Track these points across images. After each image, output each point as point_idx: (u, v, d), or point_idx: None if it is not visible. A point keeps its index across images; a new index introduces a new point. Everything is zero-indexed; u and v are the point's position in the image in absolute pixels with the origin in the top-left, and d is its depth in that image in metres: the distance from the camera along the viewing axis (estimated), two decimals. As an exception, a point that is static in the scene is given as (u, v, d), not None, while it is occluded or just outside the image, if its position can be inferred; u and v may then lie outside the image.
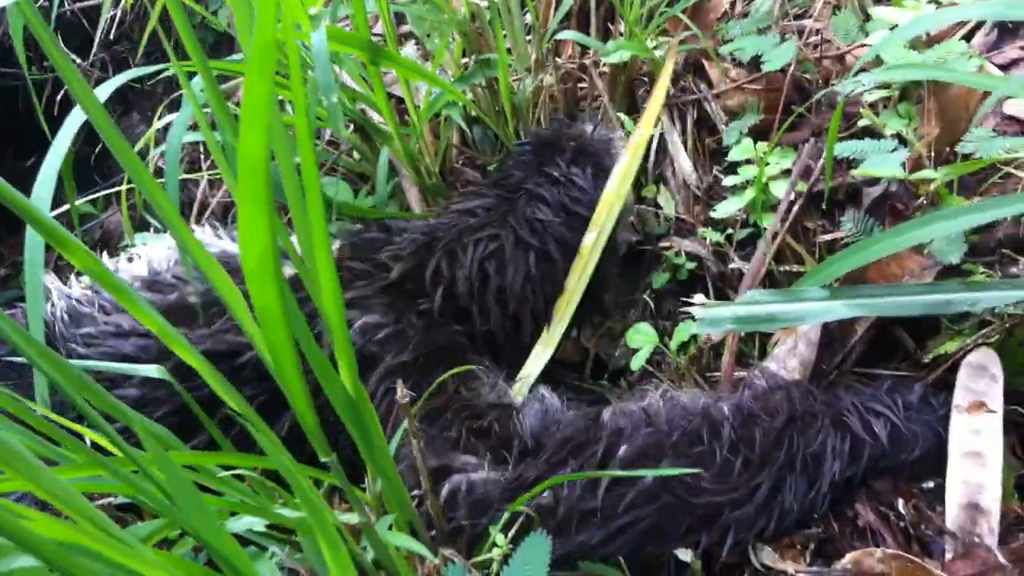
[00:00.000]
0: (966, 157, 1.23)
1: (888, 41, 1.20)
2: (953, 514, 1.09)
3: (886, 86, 1.46)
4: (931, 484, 1.16)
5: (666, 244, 1.66)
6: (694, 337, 1.45)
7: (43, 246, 1.10)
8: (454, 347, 1.34)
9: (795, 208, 1.49)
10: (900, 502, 1.14)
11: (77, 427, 0.88)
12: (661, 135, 1.75)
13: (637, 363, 1.45)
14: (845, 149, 1.31)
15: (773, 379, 1.23)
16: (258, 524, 0.88)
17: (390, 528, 0.99)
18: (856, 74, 1.31)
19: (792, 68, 1.59)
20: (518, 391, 1.34)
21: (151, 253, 1.48)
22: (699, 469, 1.08)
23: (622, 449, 1.11)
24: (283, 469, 0.82)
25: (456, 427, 1.17)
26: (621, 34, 1.83)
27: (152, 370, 1.00)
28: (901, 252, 1.21)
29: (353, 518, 0.92)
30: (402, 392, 0.98)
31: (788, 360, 1.30)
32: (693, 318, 1.52)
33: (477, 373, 1.26)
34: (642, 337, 1.47)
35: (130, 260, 1.49)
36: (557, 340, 1.43)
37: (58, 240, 0.75)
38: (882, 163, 1.23)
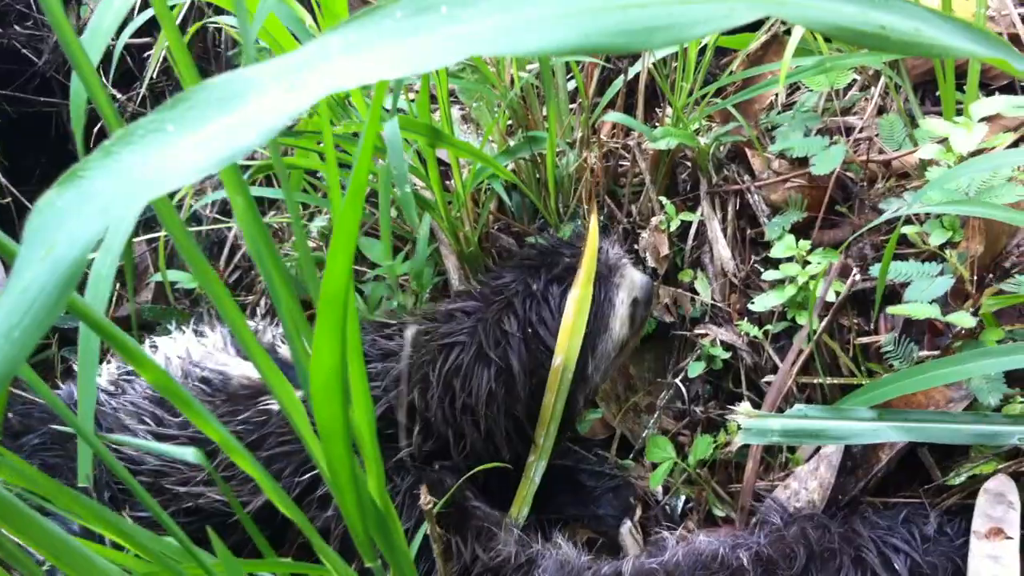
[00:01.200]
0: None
1: (937, 183, 1.22)
2: None
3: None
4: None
5: (701, 331, 1.67)
6: (714, 449, 1.46)
7: (98, 348, 1.11)
8: (456, 495, 1.33)
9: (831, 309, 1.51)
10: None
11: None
12: (701, 221, 1.77)
13: (656, 481, 1.46)
14: (892, 271, 1.32)
15: (786, 513, 1.26)
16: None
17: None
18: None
19: (838, 168, 1.61)
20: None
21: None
22: None
23: None
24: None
25: None
26: (667, 117, 1.86)
27: (189, 454, 1.03)
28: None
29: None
30: (426, 499, 1.01)
31: (809, 481, 1.31)
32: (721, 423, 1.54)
33: (491, 531, 1.30)
34: (661, 453, 1.48)
35: (154, 348, 1.53)
36: (549, 450, 1.45)
37: (129, 353, 0.77)
38: (924, 289, 1.25)
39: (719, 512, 1.42)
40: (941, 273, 1.29)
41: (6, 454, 0.73)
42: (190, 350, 1.48)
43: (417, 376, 1.40)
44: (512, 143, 1.85)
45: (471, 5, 0.54)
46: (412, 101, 2.01)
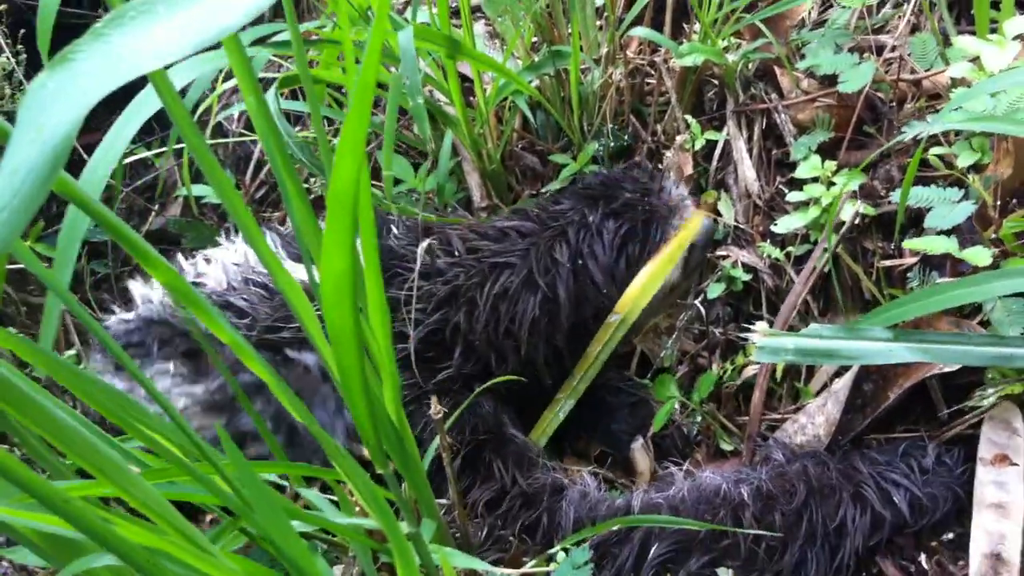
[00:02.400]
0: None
1: (965, 97, 1.19)
2: (976, 564, 1.11)
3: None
4: (951, 536, 1.19)
5: (723, 253, 1.66)
6: (720, 383, 1.47)
7: (84, 226, 1.12)
8: (494, 421, 1.36)
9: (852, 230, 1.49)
10: (923, 557, 1.17)
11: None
12: (727, 141, 1.74)
13: (659, 422, 1.47)
14: (912, 196, 1.30)
15: (789, 450, 1.28)
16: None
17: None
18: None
19: (867, 88, 1.57)
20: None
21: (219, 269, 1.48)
22: (727, 563, 1.16)
23: (653, 550, 1.17)
24: (358, 483, 0.85)
25: (511, 525, 1.24)
26: (695, 32, 1.82)
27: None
28: (935, 313, 1.22)
29: (405, 527, 0.95)
30: (436, 408, 1.03)
31: (816, 416, 1.32)
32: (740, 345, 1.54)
33: (531, 459, 1.32)
34: (665, 392, 1.49)
35: (207, 261, 1.50)
36: (580, 393, 1.46)
37: (137, 251, 0.77)
38: (945, 216, 1.23)
39: (727, 446, 1.43)
40: (964, 198, 1.27)
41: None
42: (248, 257, 1.48)
43: (464, 297, 1.39)
44: (537, 59, 1.82)
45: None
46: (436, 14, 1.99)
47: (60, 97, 0.43)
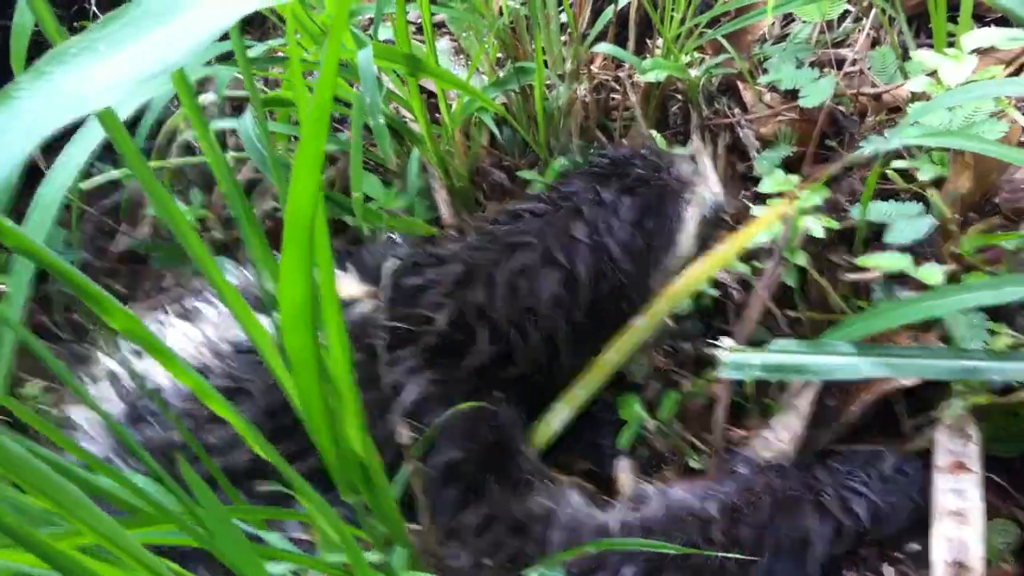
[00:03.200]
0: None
1: (922, 111, 1.20)
2: (939, 573, 1.11)
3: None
4: (915, 547, 1.20)
5: (690, 268, 1.66)
6: (685, 402, 1.47)
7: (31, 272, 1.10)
8: (506, 434, 1.33)
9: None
10: (886, 567, 1.17)
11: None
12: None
13: (624, 442, 1.46)
14: (872, 211, 1.31)
15: (755, 464, 1.29)
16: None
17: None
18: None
19: (827, 102, 1.59)
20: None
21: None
22: None
23: (628, 571, 1.18)
24: (324, 519, 0.84)
25: (497, 554, 1.22)
26: (658, 48, 1.83)
27: None
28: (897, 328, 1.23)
29: (374, 557, 0.95)
30: (404, 435, 1.02)
31: (781, 432, 1.32)
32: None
33: (531, 483, 1.29)
34: (629, 411, 1.48)
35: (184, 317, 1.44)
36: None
37: (91, 297, 0.75)
38: (903, 231, 1.24)
39: (696, 464, 1.43)
40: (925, 213, 1.28)
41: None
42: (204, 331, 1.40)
43: (481, 276, 1.37)
44: (502, 75, 1.82)
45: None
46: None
47: (2, 137, 0.42)
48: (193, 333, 1.40)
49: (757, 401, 1.43)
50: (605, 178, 1.45)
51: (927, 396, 1.30)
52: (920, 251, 1.33)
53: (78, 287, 0.72)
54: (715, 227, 1.56)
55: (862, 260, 1.29)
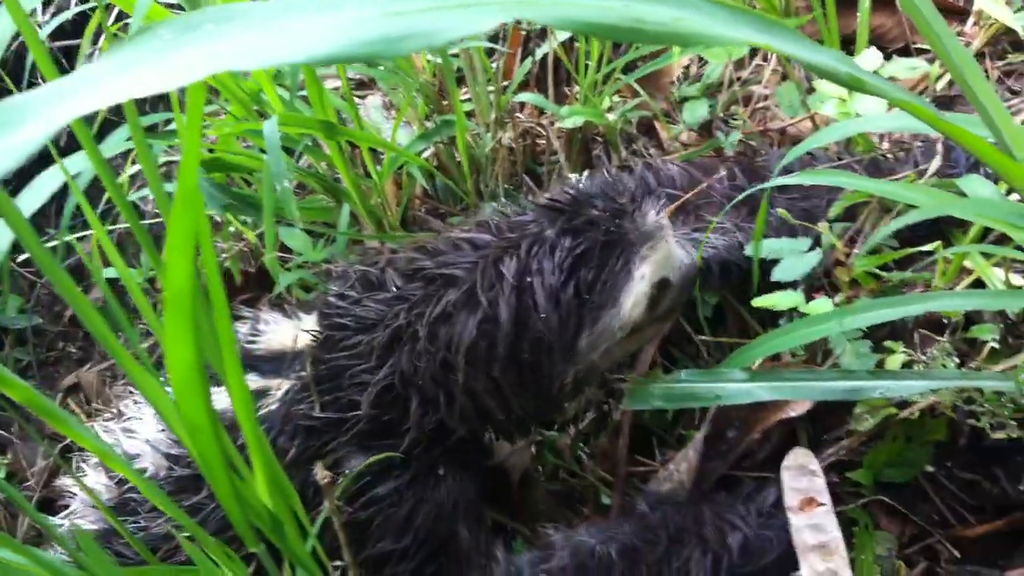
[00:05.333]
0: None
1: (797, 151, 1.27)
2: None
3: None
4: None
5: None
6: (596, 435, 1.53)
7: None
8: (444, 518, 1.30)
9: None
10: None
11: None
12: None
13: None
14: (763, 249, 1.36)
15: (653, 499, 1.34)
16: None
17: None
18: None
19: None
20: None
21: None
22: None
23: None
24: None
25: None
26: (577, 96, 1.89)
27: None
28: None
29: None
30: (322, 474, 1.05)
31: (681, 463, 1.37)
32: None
33: (471, 559, 1.31)
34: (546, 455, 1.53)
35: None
36: None
37: (42, 410, 0.80)
38: (793, 267, 1.29)
39: (607, 500, 1.48)
40: (813, 247, 1.34)
41: None
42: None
43: (407, 334, 1.24)
44: (430, 128, 1.89)
45: (234, 21, 0.57)
46: (336, 90, 2.04)
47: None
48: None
49: (672, 432, 1.48)
50: (556, 213, 1.27)
51: (830, 422, 1.36)
52: (819, 282, 1.39)
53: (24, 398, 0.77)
54: (682, 292, 1.39)
55: (756, 302, 1.32)
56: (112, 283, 2.31)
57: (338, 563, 1.20)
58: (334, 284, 1.39)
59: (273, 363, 1.34)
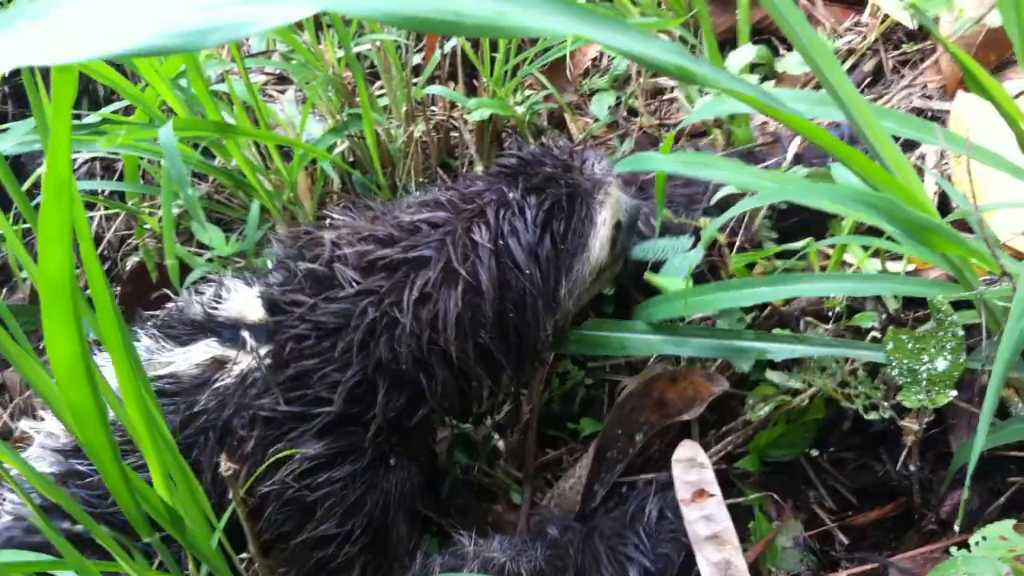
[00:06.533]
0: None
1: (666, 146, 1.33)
2: None
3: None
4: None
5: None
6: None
7: None
8: (387, 509, 1.34)
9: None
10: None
11: None
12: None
13: (444, 492, 1.57)
14: (647, 250, 1.45)
15: (560, 523, 1.38)
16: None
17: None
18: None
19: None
20: None
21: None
22: None
23: None
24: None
25: None
26: (486, 88, 1.91)
27: None
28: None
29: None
30: (226, 466, 1.05)
31: (580, 470, 1.44)
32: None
33: (400, 557, 1.36)
34: (457, 453, 1.59)
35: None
36: None
37: None
38: (677, 266, 1.36)
39: (518, 498, 1.52)
40: (694, 245, 1.38)
41: None
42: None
43: (383, 322, 1.25)
44: (341, 121, 1.89)
45: (49, 15, 0.58)
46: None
47: None
48: None
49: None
50: (512, 177, 1.32)
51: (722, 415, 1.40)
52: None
53: None
54: (632, 234, 1.47)
55: (648, 277, 1.38)
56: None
57: (243, 555, 1.22)
58: (276, 275, 1.40)
59: (232, 330, 1.33)
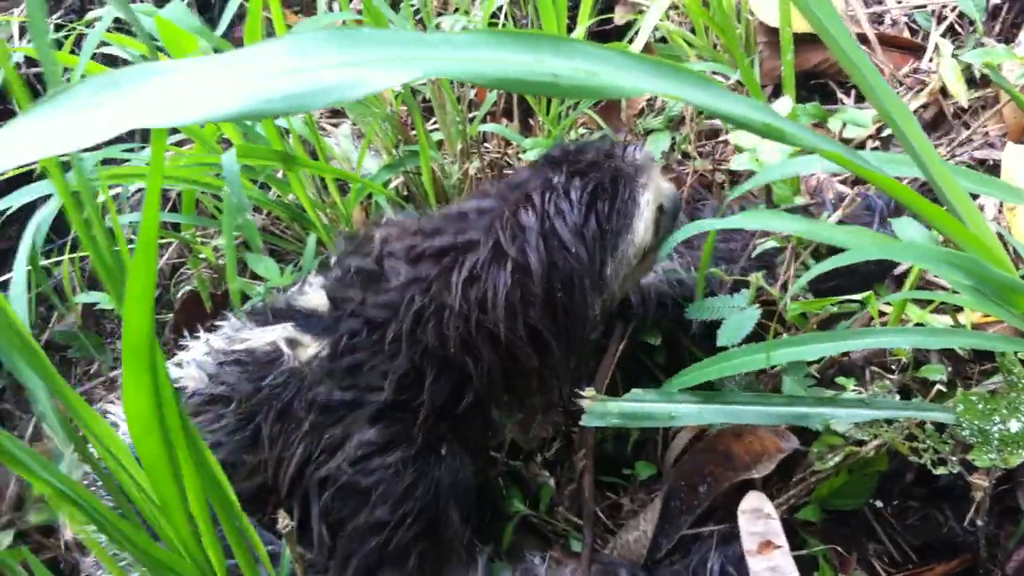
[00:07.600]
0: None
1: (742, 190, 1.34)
2: None
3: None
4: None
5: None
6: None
7: None
8: (440, 499, 1.36)
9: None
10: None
11: None
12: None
13: (507, 537, 1.55)
14: (703, 309, 1.43)
15: (628, 569, 1.39)
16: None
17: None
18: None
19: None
20: None
21: None
22: None
23: None
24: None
25: None
26: (542, 128, 1.92)
27: None
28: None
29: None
30: (284, 522, 1.06)
31: (644, 524, 1.43)
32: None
33: (453, 551, 1.37)
34: (513, 504, 1.56)
35: (179, 366, 1.51)
36: None
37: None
38: (735, 328, 1.33)
39: (577, 546, 1.50)
40: (750, 304, 1.37)
41: None
42: (212, 344, 1.47)
43: (431, 308, 1.29)
44: (398, 157, 1.91)
45: (149, 80, 0.59)
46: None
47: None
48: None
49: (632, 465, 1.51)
50: (556, 164, 1.36)
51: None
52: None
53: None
54: (674, 220, 1.49)
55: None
56: (89, 308, 2.35)
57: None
58: (336, 271, 1.48)
59: (307, 319, 1.42)
